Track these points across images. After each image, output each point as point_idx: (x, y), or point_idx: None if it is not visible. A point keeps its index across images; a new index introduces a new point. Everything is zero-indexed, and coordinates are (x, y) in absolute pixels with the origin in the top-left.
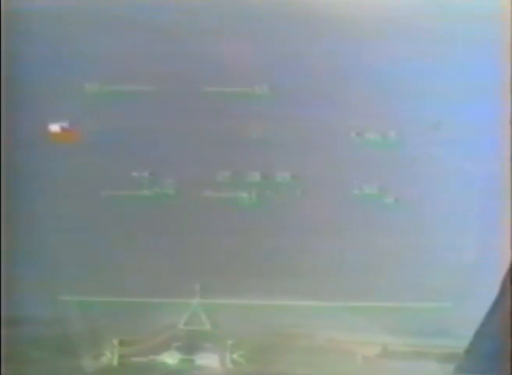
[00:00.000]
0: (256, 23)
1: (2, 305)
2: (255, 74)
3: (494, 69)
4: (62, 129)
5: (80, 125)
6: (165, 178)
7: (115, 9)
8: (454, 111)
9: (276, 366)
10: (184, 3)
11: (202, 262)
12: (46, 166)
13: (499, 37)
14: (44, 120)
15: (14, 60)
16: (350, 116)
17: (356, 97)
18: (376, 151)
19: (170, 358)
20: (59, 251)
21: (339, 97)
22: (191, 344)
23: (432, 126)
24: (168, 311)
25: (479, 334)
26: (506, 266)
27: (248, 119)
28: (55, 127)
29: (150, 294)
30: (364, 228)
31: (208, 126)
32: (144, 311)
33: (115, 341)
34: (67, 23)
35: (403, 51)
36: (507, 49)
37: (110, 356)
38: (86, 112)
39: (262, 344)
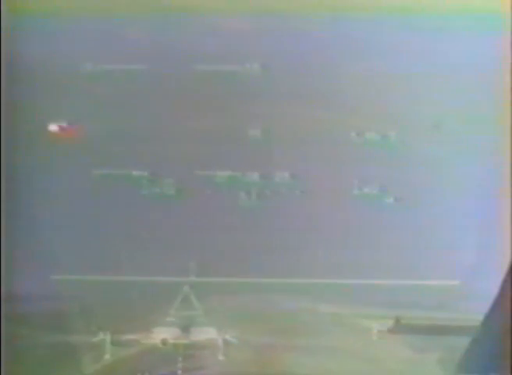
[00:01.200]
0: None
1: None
2: (248, 53)
3: (494, 70)
4: (61, 128)
5: (78, 124)
6: (165, 178)
7: None
8: (454, 111)
9: (280, 341)
10: None
11: (200, 261)
12: (45, 163)
13: (499, 37)
14: (44, 117)
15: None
16: (350, 116)
17: (356, 97)
18: (376, 151)
19: (164, 335)
20: (55, 235)
21: (339, 96)
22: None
23: (432, 126)
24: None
25: (479, 334)
26: (506, 266)
27: (244, 120)
28: (53, 127)
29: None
30: (364, 228)
31: (206, 124)
32: (138, 290)
33: (109, 320)
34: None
35: (404, 51)
36: (507, 49)
37: (103, 335)
38: (83, 109)
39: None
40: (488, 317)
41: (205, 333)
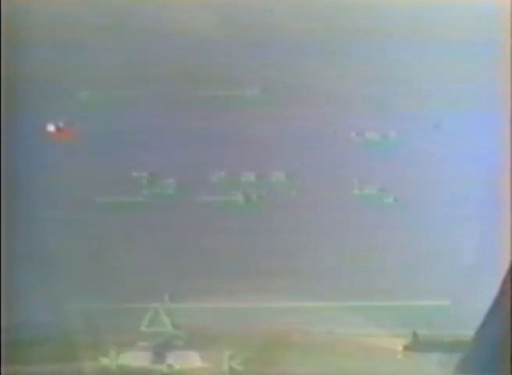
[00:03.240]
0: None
1: (3, 310)
2: (247, 77)
3: (494, 69)
4: (58, 129)
5: (77, 125)
6: (165, 178)
7: (108, 15)
8: (454, 111)
9: (277, 364)
10: (176, 8)
11: (200, 261)
12: (46, 167)
13: (499, 37)
14: (42, 121)
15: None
16: (350, 116)
17: (356, 97)
18: (376, 151)
19: (142, 362)
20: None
21: (339, 97)
22: (163, 345)
23: (432, 126)
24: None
25: (479, 334)
26: (506, 266)
27: (242, 120)
28: (50, 127)
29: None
30: (364, 228)
31: (204, 127)
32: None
33: (86, 346)
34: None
35: (404, 52)
36: (507, 49)
37: (81, 361)
38: (85, 113)
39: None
40: (488, 317)
41: (185, 358)
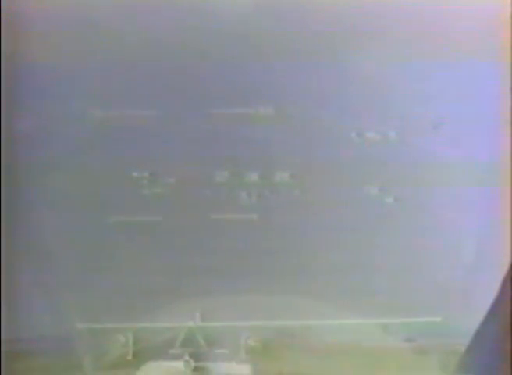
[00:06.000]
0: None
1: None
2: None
3: (494, 69)
4: None
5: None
6: (165, 178)
7: (116, 33)
8: (454, 111)
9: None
10: (187, 25)
11: (202, 264)
12: (46, 168)
13: (499, 37)
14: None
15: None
16: (350, 116)
17: (356, 97)
18: (376, 151)
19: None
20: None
21: (339, 97)
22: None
23: (432, 126)
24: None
25: (479, 334)
26: (506, 266)
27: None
28: None
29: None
30: (364, 228)
31: (206, 127)
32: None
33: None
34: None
35: (404, 51)
36: (507, 49)
37: None
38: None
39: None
40: (489, 317)
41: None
